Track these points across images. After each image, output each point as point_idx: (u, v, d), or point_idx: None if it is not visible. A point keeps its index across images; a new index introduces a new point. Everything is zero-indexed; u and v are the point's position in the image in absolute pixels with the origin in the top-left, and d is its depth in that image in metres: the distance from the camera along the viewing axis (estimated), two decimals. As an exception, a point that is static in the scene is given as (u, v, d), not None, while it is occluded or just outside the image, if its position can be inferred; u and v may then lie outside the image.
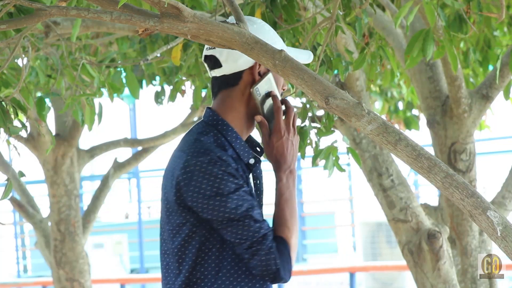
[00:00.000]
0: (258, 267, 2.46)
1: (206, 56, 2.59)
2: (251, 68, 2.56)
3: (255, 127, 2.65)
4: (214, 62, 2.57)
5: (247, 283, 2.50)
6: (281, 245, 2.48)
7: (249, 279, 2.50)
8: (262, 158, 2.64)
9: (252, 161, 2.57)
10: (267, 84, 2.57)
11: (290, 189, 2.56)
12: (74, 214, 6.96)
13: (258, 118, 2.57)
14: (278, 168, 2.58)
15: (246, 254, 2.46)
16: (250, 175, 2.58)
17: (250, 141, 2.65)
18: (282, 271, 2.46)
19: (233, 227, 2.45)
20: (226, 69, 2.56)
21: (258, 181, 2.62)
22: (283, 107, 2.59)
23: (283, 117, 2.58)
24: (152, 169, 15.89)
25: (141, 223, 14.35)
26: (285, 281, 2.49)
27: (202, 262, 2.49)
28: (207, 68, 2.62)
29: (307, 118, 3.68)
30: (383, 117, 7.67)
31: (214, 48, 2.55)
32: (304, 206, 15.06)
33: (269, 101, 2.59)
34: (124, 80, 5.08)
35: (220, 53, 2.55)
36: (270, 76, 2.56)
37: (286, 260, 2.48)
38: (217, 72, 2.58)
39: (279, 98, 2.59)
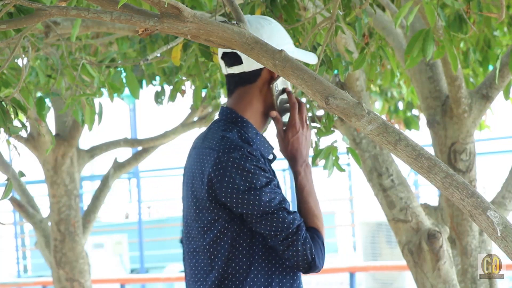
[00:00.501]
0: (293, 258, 2.50)
1: (225, 53, 2.62)
2: None
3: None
4: (234, 59, 2.60)
5: (278, 275, 2.54)
6: (314, 234, 2.53)
7: (279, 271, 2.54)
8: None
9: (271, 156, 2.62)
10: (283, 80, 2.60)
11: (309, 182, 2.61)
12: (74, 214, 6.96)
13: (274, 113, 2.61)
14: (294, 163, 2.63)
15: (281, 245, 2.49)
16: None
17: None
18: (317, 260, 2.50)
19: (268, 220, 2.48)
20: (246, 66, 2.60)
21: None
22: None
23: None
24: (152, 169, 15.90)
25: (141, 223, 14.35)
26: (319, 270, 2.53)
27: (233, 257, 2.53)
28: (223, 66, 2.65)
29: (307, 118, 3.68)
30: (383, 117, 7.67)
31: None
32: (304, 206, 15.02)
33: (282, 98, 2.62)
34: (124, 80, 5.08)
35: None
36: None
37: (320, 249, 2.52)
38: (235, 69, 2.61)
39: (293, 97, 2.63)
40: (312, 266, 2.50)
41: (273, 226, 2.48)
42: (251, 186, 2.47)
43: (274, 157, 2.63)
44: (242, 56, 2.58)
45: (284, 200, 2.50)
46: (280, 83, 2.61)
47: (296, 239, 2.48)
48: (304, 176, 2.60)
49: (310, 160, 2.68)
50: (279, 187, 2.53)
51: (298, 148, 2.62)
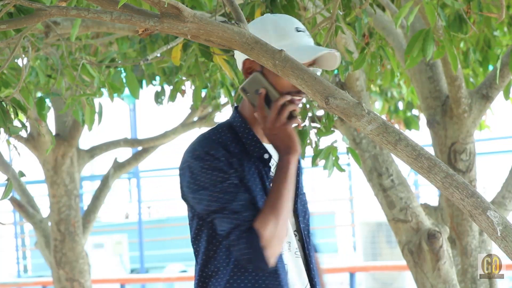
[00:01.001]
0: (238, 256, 2.54)
1: None
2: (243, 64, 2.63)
3: None
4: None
5: (257, 273, 2.56)
6: (252, 235, 2.53)
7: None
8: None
9: (266, 155, 2.62)
10: (255, 83, 2.60)
11: (277, 182, 2.57)
12: (74, 214, 6.96)
13: (255, 115, 2.62)
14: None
15: (228, 244, 2.55)
16: (273, 169, 2.63)
17: None
18: (254, 260, 2.52)
19: (216, 219, 2.54)
20: (237, 66, 2.67)
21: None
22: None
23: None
24: (152, 169, 15.89)
25: (141, 223, 14.35)
26: (263, 269, 2.53)
27: (215, 255, 2.58)
28: None
29: (307, 118, 3.68)
30: (383, 117, 7.67)
31: None
32: (304, 206, 15.03)
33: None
34: (124, 80, 5.08)
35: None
36: (255, 75, 2.58)
37: (256, 249, 2.51)
38: None
39: (276, 95, 2.59)
40: (253, 265, 2.53)
41: (219, 225, 2.54)
42: (201, 185, 2.53)
43: (270, 156, 2.63)
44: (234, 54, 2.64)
45: (234, 199, 2.51)
46: (251, 86, 2.60)
47: (233, 239, 2.52)
48: (276, 172, 2.59)
49: (291, 158, 2.60)
50: (247, 188, 2.55)
51: (274, 144, 2.61)
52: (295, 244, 2.67)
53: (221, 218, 2.52)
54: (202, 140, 2.58)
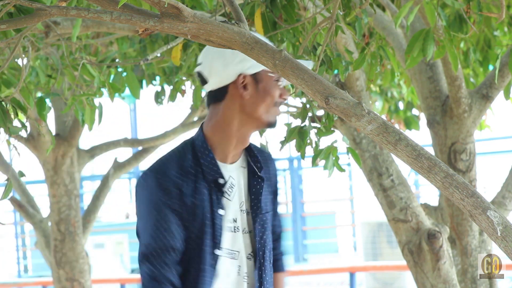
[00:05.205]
0: None
1: (197, 73, 2.66)
2: (235, 82, 2.58)
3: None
4: (201, 79, 2.63)
5: None
6: None
7: None
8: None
9: (222, 181, 2.58)
10: None
11: None
12: (74, 214, 6.96)
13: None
14: None
15: None
16: (229, 193, 2.60)
17: (253, 156, 2.65)
18: None
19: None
20: (212, 85, 2.62)
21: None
22: None
23: None
24: (152, 169, 15.84)
25: (141, 223, 14.30)
26: None
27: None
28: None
29: (307, 118, 3.68)
30: (383, 117, 7.66)
31: (201, 63, 2.61)
32: (305, 206, 15.08)
33: None
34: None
35: (204, 69, 2.61)
36: None
37: None
38: (206, 88, 2.64)
39: None
40: None
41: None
42: (138, 214, 2.60)
43: (225, 181, 2.60)
44: (204, 74, 2.61)
45: (163, 249, 2.55)
46: None
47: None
48: None
49: None
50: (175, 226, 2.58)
51: None
52: (245, 268, 2.62)
53: (140, 272, 2.64)
54: (156, 164, 2.61)
